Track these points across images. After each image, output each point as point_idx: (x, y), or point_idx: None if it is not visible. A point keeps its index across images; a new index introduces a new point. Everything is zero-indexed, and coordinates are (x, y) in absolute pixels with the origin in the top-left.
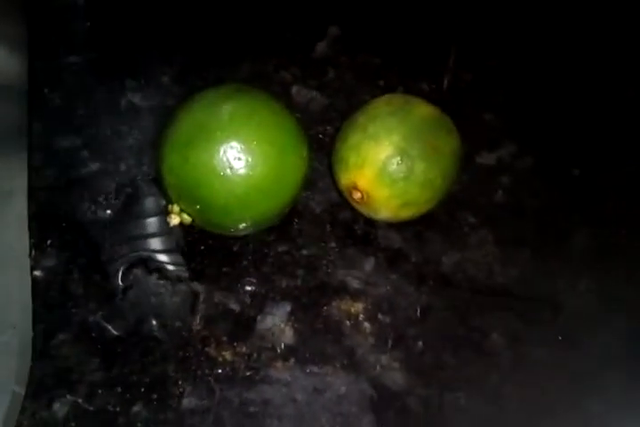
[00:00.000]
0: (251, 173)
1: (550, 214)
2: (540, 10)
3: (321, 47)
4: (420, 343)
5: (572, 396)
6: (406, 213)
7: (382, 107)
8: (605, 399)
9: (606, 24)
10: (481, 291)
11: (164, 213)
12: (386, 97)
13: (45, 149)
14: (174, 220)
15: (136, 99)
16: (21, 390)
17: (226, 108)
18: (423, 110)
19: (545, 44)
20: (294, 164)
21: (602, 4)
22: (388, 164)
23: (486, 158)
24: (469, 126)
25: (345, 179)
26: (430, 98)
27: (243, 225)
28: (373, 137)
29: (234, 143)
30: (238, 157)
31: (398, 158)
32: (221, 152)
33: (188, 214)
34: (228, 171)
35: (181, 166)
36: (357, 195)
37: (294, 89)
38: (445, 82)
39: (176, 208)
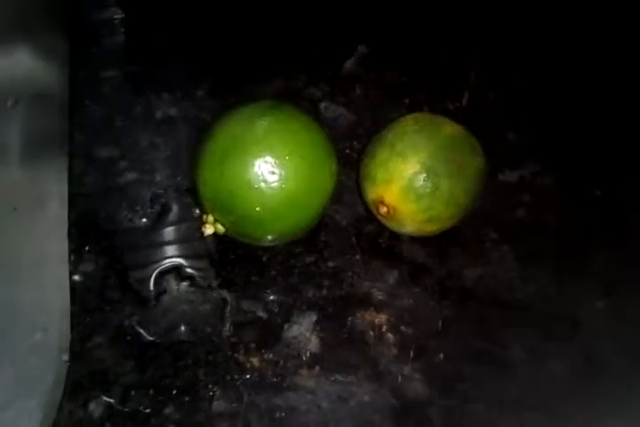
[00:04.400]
0: (283, 186)
1: (570, 232)
2: (561, 30)
3: (349, 65)
4: (442, 355)
5: (589, 411)
6: (430, 228)
7: (410, 125)
8: (621, 416)
9: (628, 46)
10: (501, 305)
11: (198, 223)
12: (413, 115)
13: (85, 157)
14: (208, 230)
15: (172, 112)
16: (58, 392)
17: (260, 123)
18: (449, 129)
19: (567, 65)
20: (324, 178)
21: (625, 24)
22: (414, 180)
23: (509, 176)
24: (493, 144)
25: (372, 193)
26: (454, 116)
27: (273, 236)
28: (401, 154)
29: (268, 158)
30: (272, 170)
31: (424, 175)
32: (256, 166)
33: (222, 225)
34: (262, 184)
35: (217, 179)
36: (384, 209)
37: (322, 105)
38: (465, 99)
39: (211, 218)
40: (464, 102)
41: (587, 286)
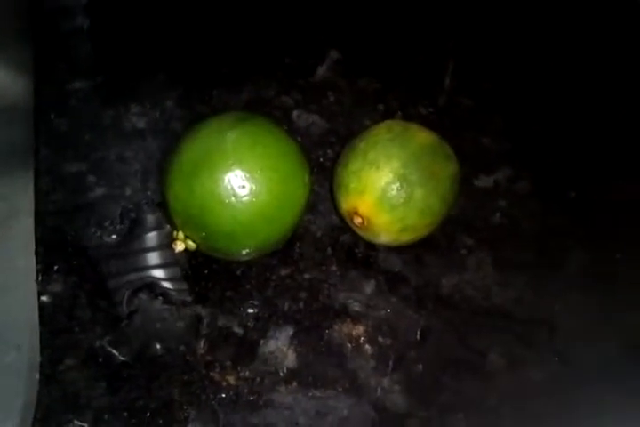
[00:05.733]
0: (254, 200)
1: (547, 236)
2: (535, 35)
3: (321, 71)
4: (420, 366)
5: (571, 415)
6: (406, 238)
7: (382, 133)
8: (603, 419)
9: (601, 51)
10: (479, 312)
11: (169, 239)
12: (386, 123)
13: (52, 173)
14: (179, 246)
15: (140, 123)
16: (30, 414)
17: (230, 136)
18: (422, 137)
19: (540, 68)
20: (297, 190)
21: (595, 28)
22: (388, 190)
23: (484, 181)
24: (467, 150)
25: (346, 204)
26: (428, 121)
27: (246, 251)
28: (374, 163)
29: (238, 171)
30: (242, 184)
31: (398, 184)
32: (226, 180)
33: (193, 241)
34: (233, 198)
35: (186, 194)
36: (358, 220)
37: (295, 113)
38: (441, 102)
39: (181, 235)
40: (440, 105)
41: (563, 289)
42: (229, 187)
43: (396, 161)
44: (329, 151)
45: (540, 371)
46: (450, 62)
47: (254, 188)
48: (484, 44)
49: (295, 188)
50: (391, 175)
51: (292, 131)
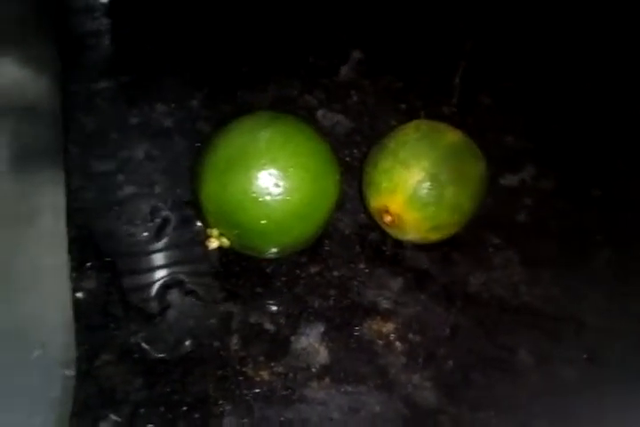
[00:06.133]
0: (288, 198)
1: (573, 234)
2: (555, 32)
3: (344, 71)
4: (451, 362)
5: (599, 413)
6: (435, 236)
7: (411, 133)
8: (632, 416)
9: (621, 45)
10: (507, 310)
11: (201, 236)
12: (414, 123)
13: (82, 172)
14: (213, 244)
15: (167, 122)
16: (66, 409)
17: (263, 135)
18: (451, 136)
19: (562, 66)
20: (328, 188)
21: (617, 24)
22: (418, 188)
23: (509, 180)
24: (491, 149)
25: (376, 202)
26: (451, 121)
27: (278, 249)
28: (404, 162)
29: (272, 170)
30: (276, 183)
31: (429, 183)
32: (260, 179)
33: (227, 238)
34: (267, 197)
35: (220, 193)
36: (388, 218)
37: (319, 113)
38: (454, 101)
39: (215, 232)
40: (462, 104)
41: (590, 286)
42: (263, 185)
43: (426, 160)
44: (355, 151)
45: (568, 368)
46: (472, 62)
47: (287, 186)
48: (504, 42)
49: (326, 186)
50: (422, 174)
51: (317, 130)
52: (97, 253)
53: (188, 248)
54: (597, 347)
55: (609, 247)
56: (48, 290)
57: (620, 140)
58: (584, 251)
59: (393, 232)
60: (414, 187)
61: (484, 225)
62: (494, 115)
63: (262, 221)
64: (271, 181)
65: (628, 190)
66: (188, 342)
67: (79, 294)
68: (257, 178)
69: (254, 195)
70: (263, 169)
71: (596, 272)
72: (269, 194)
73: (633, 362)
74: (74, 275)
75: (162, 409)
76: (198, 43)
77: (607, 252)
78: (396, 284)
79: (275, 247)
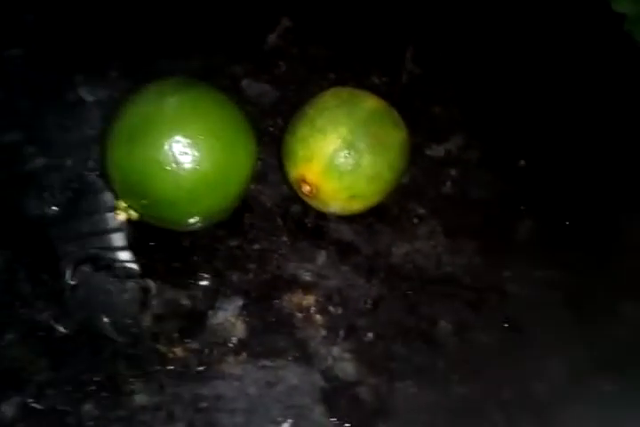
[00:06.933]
0: (198, 167)
1: (497, 205)
2: (489, 7)
3: (272, 39)
4: (371, 334)
5: (517, 380)
6: (355, 206)
7: (330, 100)
8: (549, 384)
9: (550, 21)
10: (429, 281)
11: (112, 209)
12: (333, 90)
13: None
14: (120, 216)
15: (83, 93)
16: None
17: (171, 101)
18: (369, 103)
19: (490, 38)
20: (242, 158)
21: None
22: (335, 157)
23: (435, 151)
24: (419, 119)
25: (294, 172)
26: (380, 91)
27: (192, 220)
28: (321, 130)
29: (179, 137)
30: (185, 151)
31: (346, 151)
32: (167, 146)
33: (135, 210)
34: (174, 165)
35: (126, 161)
36: (307, 188)
37: (245, 82)
38: (403, 76)
39: (122, 204)
40: (392, 75)
41: (513, 257)
42: (170, 153)
43: (344, 127)
44: (279, 121)
45: (487, 336)
46: (404, 32)
47: (197, 154)
48: (439, 15)
49: (240, 155)
50: (339, 142)
51: (242, 100)
52: (3, 228)
53: (100, 223)
54: (517, 316)
55: (531, 218)
56: None
57: (544, 112)
58: (507, 221)
59: (314, 203)
60: (330, 155)
61: (409, 196)
62: (424, 85)
63: (171, 191)
64: (179, 150)
65: (552, 162)
66: (99, 320)
67: None
68: (162, 145)
69: (161, 163)
70: (169, 136)
71: (518, 242)
72: (177, 162)
73: (551, 329)
74: None
75: (69, 388)
76: (119, 10)
77: (529, 222)
78: (319, 257)
79: (187, 219)
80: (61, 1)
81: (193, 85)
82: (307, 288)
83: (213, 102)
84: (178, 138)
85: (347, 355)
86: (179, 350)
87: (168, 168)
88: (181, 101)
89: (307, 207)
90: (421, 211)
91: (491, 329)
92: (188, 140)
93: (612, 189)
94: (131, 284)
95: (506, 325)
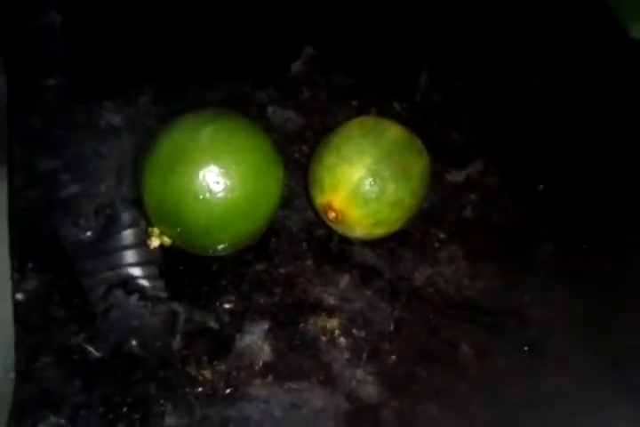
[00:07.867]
0: (229, 195)
1: (517, 229)
2: (507, 32)
3: (296, 67)
4: (394, 357)
5: (538, 404)
6: (379, 232)
7: (355, 129)
8: (570, 408)
9: (568, 42)
10: (451, 304)
11: (144, 235)
12: (358, 119)
13: (26, 170)
14: (154, 242)
15: (115, 120)
16: (4, 411)
17: (205, 131)
18: (394, 132)
19: (511, 66)
20: (271, 185)
21: (561, 28)
22: (360, 185)
23: (455, 176)
24: (439, 145)
25: (320, 199)
26: (402, 118)
27: (221, 246)
28: (347, 159)
29: (213, 167)
30: (217, 180)
31: (371, 180)
32: (201, 176)
33: (168, 237)
34: (208, 194)
35: (162, 190)
36: (332, 214)
37: (270, 109)
38: (414, 98)
39: (156, 231)
40: (414, 101)
41: (533, 281)
42: (204, 183)
43: (369, 157)
44: (304, 147)
45: (508, 360)
46: (423, 59)
47: (229, 183)
48: (457, 41)
49: (269, 183)
50: (364, 171)
51: (267, 127)
52: (40, 253)
53: (132, 248)
54: (538, 340)
55: (550, 242)
56: None
57: (563, 137)
58: (526, 245)
59: (339, 229)
60: (356, 183)
61: (430, 221)
62: (443, 111)
63: (203, 219)
64: (212, 179)
65: (571, 186)
66: (130, 342)
67: (19, 296)
68: (198, 175)
69: (195, 192)
70: (205, 166)
71: (537, 266)
72: (210, 191)
73: (571, 353)
74: (15, 276)
75: (102, 410)
76: (148, 38)
77: (549, 246)
78: (343, 280)
79: (217, 245)
80: (92, 31)
81: (226, 116)
82: (331, 311)
83: (245, 132)
84: (212, 168)
85: (370, 377)
86: (207, 373)
87: (202, 197)
88: (215, 132)
89: (331, 232)
90: (442, 235)
91: (511, 353)
92: (222, 170)
93: (631, 213)
94: (160, 307)
95: (526, 348)
